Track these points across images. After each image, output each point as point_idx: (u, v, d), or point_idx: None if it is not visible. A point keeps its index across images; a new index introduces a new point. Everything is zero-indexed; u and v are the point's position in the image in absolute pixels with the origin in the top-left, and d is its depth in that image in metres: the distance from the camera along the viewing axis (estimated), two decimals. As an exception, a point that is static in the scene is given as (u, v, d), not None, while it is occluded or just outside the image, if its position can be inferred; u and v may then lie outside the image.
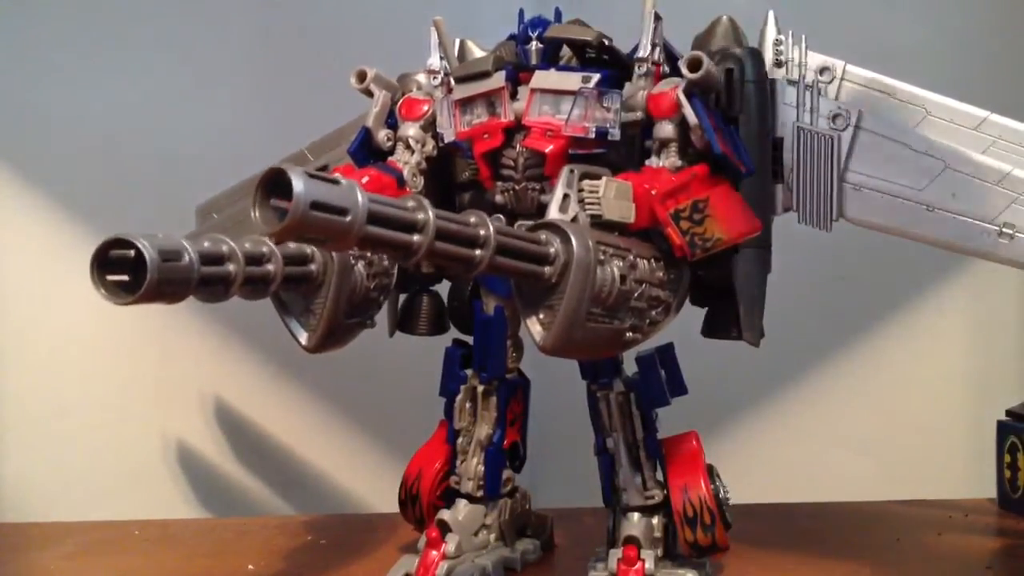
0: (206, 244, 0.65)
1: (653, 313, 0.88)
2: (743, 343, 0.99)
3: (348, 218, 0.57)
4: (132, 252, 0.59)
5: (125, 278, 0.59)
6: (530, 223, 0.82)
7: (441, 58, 1.03)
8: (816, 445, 1.59)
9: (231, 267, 0.68)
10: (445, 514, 1.05)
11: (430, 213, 0.63)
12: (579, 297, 0.77)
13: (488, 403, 1.08)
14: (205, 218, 1.29)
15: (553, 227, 0.78)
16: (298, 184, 0.53)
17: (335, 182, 0.57)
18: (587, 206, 0.87)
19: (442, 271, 1.10)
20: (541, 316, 0.80)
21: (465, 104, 1.00)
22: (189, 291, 0.63)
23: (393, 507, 1.14)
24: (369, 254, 0.92)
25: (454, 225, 0.66)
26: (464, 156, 1.03)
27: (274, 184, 0.55)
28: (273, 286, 0.77)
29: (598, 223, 0.86)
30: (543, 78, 0.96)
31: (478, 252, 0.69)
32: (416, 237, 0.63)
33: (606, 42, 0.95)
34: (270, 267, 0.76)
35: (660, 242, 0.90)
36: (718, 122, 0.95)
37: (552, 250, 0.76)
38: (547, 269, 0.76)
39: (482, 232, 0.69)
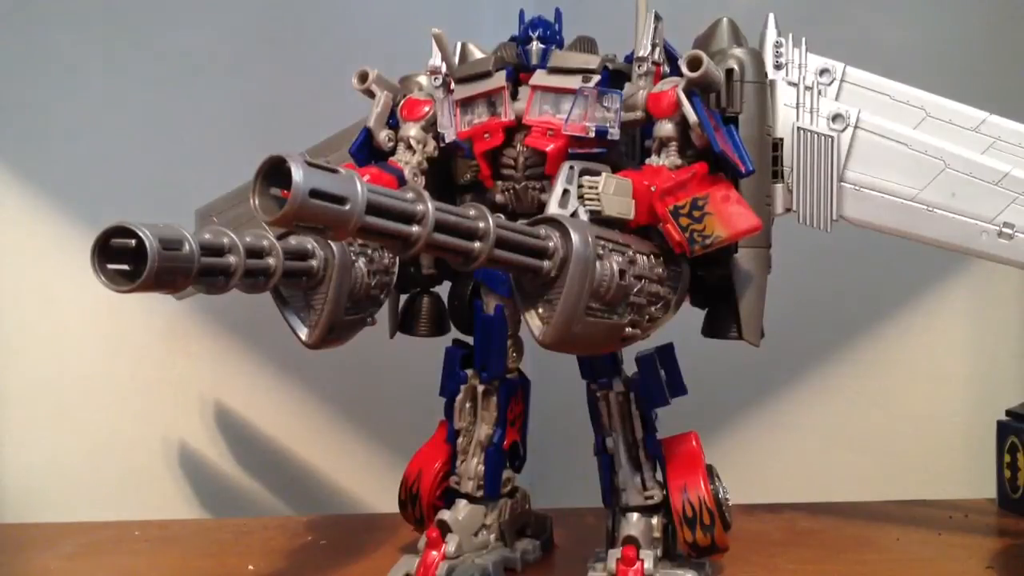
0: (207, 235, 0.66)
1: (652, 309, 0.88)
2: (743, 343, 0.99)
3: (347, 207, 0.57)
4: (133, 241, 0.59)
5: (126, 267, 0.60)
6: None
7: (442, 61, 1.03)
8: (816, 445, 1.59)
9: (232, 259, 0.68)
10: (445, 514, 1.05)
11: (429, 204, 0.63)
12: (578, 291, 0.77)
13: (488, 403, 1.08)
14: (205, 221, 1.29)
15: (552, 221, 0.79)
16: (297, 172, 0.54)
17: (334, 171, 0.57)
18: (586, 202, 0.88)
19: (442, 269, 1.10)
20: (540, 310, 0.80)
21: (466, 104, 1.01)
22: (189, 281, 0.63)
23: (393, 507, 1.14)
24: (370, 251, 0.93)
25: (453, 217, 0.67)
26: (465, 156, 1.03)
27: (274, 172, 0.55)
28: (273, 280, 0.77)
29: (597, 219, 0.87)
30: (543, 75, 0.97)
31: (477, 244, 0.69)
32: (415, 228, 0.63)
33: (610, 67, 0.96)
34: (271, 261, 0.76)
35: (660, 239, 0.91)
36: (718, 122, 0.95)
37: (551, 244, 0.76)
38: (546, 263, 0.76)
39: (481, 225, 0.69)
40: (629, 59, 0.98)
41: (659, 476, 1.01)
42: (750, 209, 0.92)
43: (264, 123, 1.56)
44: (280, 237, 0.79)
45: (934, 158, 1.02)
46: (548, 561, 1.15)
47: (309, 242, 0.84)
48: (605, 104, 0.94)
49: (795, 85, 1.04)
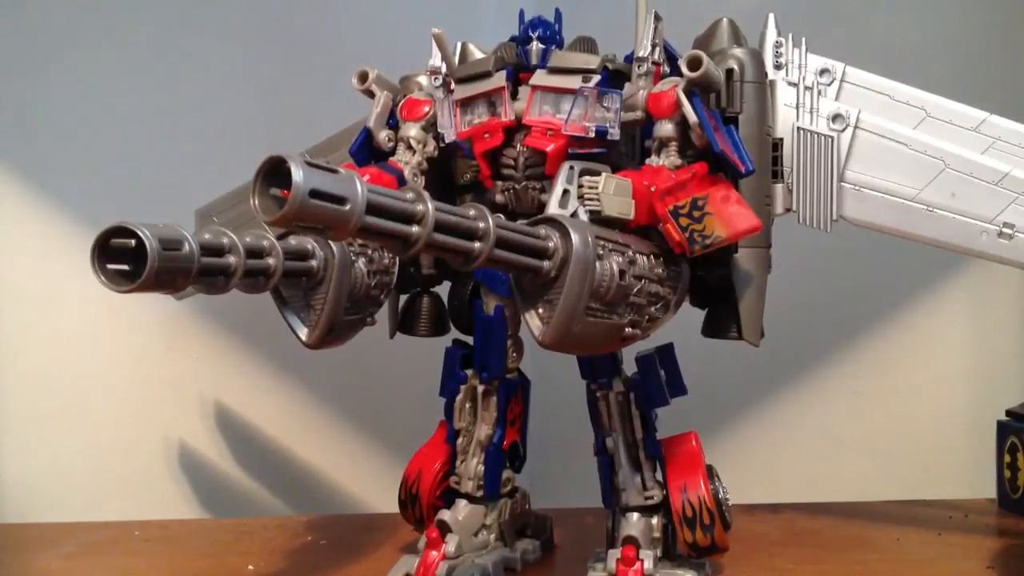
0: (207, 235, 0.66)
1: (652, 309, 0.88)
2: (743, 343, 0.99)
3: (347, 207, 0.57)
4: (133, 241, 0.59)
5: (125, 267, 0.60)
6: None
7: (442, 61, 1.03)
8: (816, 445, 1.59)
9: (231, 259, 0.68)
10: (445, 514, 1.05)
11: (429, 205, 0.63)
12: (578, 291, 0.77)
13: (488, 403, 1.08)
14: (205, 222, 1.29)
15: (552, 221, 0.79)
16: (297, 172, 0.54)
17: (334, 171, 0.57)
18: (586, 202, 0.88)
19: (442, 269, 1.10)
20: (540, 311, 0.80)
21: (466, 104, 1.01)
22: (189, 281, 0.63)
23: (393, 507, 1.14)
24: (370, 251, 0.93)
25: (453, 217, 0.67)
26: (465, 156, 1.03)
27: (274, 172, 0.55)
28: (273, 280, 0.77)
29: (597, 219, 0.87)
30: (543, 75, 0.97)
31: (477, 245, 0.69)
32: (415, 228, 0.63)
33: (610, 67, 0.96)
34: (270, 261, 0.76)
35: (660, 239, 0.91)
36: (718, 122, 0.95)
37: (551, 244, 0.76)
38: (546, 263, 0.76)
39: (481, 225, 0.69)
40: (629, 59, 0.98)
41: (659, 476, 1.01)
42: (750, 209, 0.92)
43: (264, 123, 1.56)
44: (280, 237, 0.79)
45: (934, 158, 1.02)
46: (548, 561, 1.15)
47: (309, 242, 0.84)
48: (605, 104, 0.94)
49: (795, 85, 1.04)
